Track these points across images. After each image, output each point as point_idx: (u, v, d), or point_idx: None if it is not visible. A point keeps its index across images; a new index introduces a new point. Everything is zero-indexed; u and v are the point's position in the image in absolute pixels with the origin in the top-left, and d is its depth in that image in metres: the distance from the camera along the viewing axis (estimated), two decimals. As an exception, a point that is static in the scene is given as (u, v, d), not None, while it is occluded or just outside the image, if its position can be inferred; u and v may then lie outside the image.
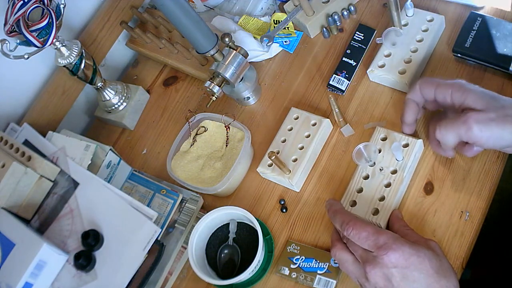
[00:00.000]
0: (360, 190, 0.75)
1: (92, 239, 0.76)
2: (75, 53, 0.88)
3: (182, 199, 0.85)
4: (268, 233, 0.80)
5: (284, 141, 0.84)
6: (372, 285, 0.63)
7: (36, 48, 0.83)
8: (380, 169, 0.76)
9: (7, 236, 0.76)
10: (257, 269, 0.76)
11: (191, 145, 0.90)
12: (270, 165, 0.82)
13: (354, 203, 0.75)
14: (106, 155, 0.85)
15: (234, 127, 0.89)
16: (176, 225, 0.84)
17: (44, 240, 0.74)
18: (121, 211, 0.79)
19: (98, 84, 0.96)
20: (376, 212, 0.73)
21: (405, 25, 0.86)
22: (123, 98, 0.99)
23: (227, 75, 0.85)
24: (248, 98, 0.93)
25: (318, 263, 0.75)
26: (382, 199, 0.73)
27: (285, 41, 0.96)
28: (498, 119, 0.62)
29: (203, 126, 0.90)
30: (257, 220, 0.76)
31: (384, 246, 0.62)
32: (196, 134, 0.91)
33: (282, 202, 0.83)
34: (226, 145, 0.88)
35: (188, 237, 0.78)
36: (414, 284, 0.61)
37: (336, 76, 0.89)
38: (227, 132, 0.88)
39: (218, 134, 0.90)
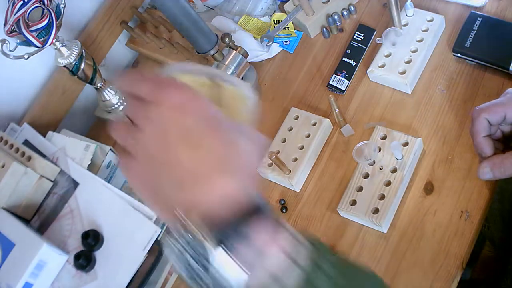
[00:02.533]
0: (360, 189, 0.75)
1: (92, 239, 0.76)
2: (75, 53, 0.88)
3: (182, 199, 0.85)
4: (268, 233, 0.80)
5: (284, 141, 0.84)
6: None
7: (36, 48, 0.83)
8: (380, 168, 0.76)
9: (7, 236, 0.76)
10: (257, 269, 0.76)
11: None
12: (270, 165, 0.82)
13: (354, 202, 0.75)
14: (106, 155, 0.85)
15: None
16: (176, 225, 0.84)
17: (44, 240, 0.74)
18: (121, 211, 0.79)
19: (98, 84, 0.96)
20: (376, 211, 0.73)
21: (405, 25, 0.86)
22: (123, 98, 0.99)
23: (227, 75, 0.85)
24: (248, 98, 0.92)
25: (318, 263, 0.74)
26: (382, 197, 0.73)
27: (285, 41, 0.96)
28: None
29: None
30: (257, 220, 0.75)
31: None
32: None
33: (282, 202, 0.83)
34: None
35: (188, 237, 0.78)
36: None
37: (336, 76, 0.89)
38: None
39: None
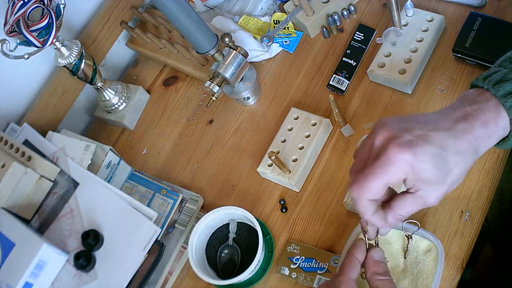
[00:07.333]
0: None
1: (92, 239, 0.76)
2: (75, 53, 0.88)
3: (182, 199, 0.85)
4: (268, 233, 0.80)
5: (284, 141, 0.84)
6: None
7: (36, 48, 0.83)
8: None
9: (7, 236, 0.76)
10: (257, 269, 0.76)
11: None
12: (270, 165, 0.82)
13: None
14: (106, 155, 0.85)
15: (417, 235, 0.70)
16: (176, 225, 0.84)
17: (44, 240, 0.74)
18: (121, 211, 0.79)
19: (98, 84, 0.96)
20: None
21: (405, 25, 0.86)
22: (123, 98, 0.99)
23: (227, 75, 0.85)
24: (248, 98, 0.93)
25: (318, 263, 0.75)
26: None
27: (285, 41, 0.96)
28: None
29: None
30: (257, 220, 0.76)
31: None
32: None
33: (282, 202, 0.83)
34: (405, 257, 0.70)
35: (188, 237, 0.78)
36: None
37: (336, 76, 0.89)
38: (408, 242, 0.70)
39: (393, 242, 0.71)
